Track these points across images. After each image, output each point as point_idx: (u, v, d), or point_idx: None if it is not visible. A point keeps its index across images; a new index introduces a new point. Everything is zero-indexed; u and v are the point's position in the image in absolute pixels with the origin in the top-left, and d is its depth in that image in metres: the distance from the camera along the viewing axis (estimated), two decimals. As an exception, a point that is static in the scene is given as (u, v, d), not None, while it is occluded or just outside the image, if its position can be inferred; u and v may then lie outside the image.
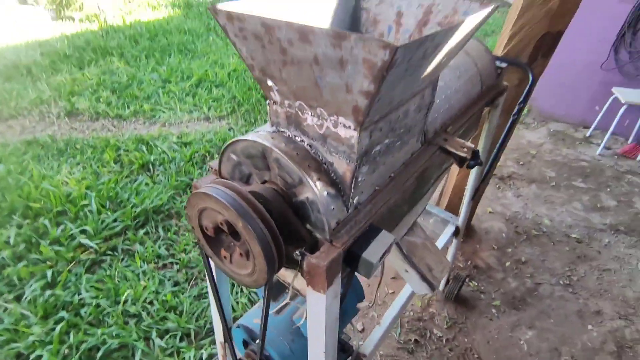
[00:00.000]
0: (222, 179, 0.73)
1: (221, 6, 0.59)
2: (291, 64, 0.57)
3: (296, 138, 0.69)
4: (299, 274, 0.74)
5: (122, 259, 2.00)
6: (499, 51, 1.80)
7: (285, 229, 0.67)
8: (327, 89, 0.56)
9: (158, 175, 2.62)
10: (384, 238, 0.76)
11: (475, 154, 0.96)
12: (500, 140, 1.62)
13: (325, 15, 0.82)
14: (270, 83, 0.65)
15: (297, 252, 0.66)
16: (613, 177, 3.22)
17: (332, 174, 0.68)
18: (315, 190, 0.64)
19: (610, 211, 2.85)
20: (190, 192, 2.52)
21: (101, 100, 3.49)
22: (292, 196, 0.71)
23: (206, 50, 4.70)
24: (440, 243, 1.70)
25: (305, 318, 0.99)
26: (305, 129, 0.67)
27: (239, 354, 1.12)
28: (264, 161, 0.71)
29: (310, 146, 0.68)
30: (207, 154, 2.90)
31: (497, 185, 3.04)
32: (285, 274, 0.85)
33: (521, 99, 1.58)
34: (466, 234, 2.53)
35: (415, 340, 1.86)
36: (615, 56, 3.47)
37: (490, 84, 1.30)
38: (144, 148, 2.86)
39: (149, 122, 3.32)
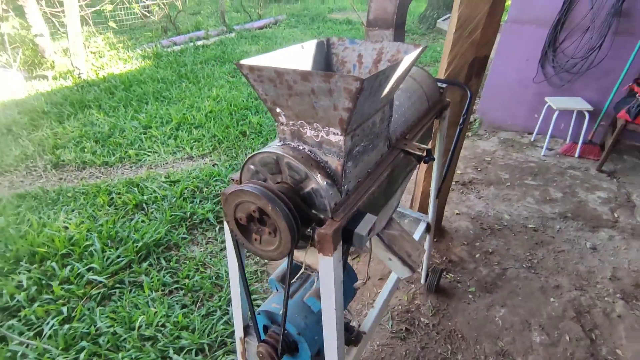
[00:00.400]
0: (251, 181, 0.99)
1: (244, 62, 0.87)
2: (295, 95, 0.86)
3: (299, 147, 0.97)
4: (309, 250, 1.00)
5: (131, 290, 2.15)
6: (442, 75, 2.19)
7: (298, 213, 0.94)
8: (321, 109, 0.85)
9: (152, 212, 2.80)
10: (369, 218, 1.04)
11: (428, 152, 1.27)
12: (452, 146, 1.97)
13: (307, 60, 1.13)
14: (279, 110, 0.94)
15: (309, 229, 0.93)
16: (557, 173, 3.68)
17: (328, 169, 0.96)
18: (318, 181, 0.91)
19: (558, 202, 3.27)
20: (187, 228, 2.72)
21: (86, 150, 3.66)
22: (300, 190, 0.97)
23: (181, 96, 4.98)
24: (416, 238, 1.98)
25: (315, 296, 1.23)
26: (305, 139, 0.95)
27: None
28: (277, 166, 0.98)
29: (310, 151, 0.96)
30: (196, 189, 3.11)
31: (461, 191, 3.41)
32: (298, 255, 1.10)
33: (464, 112, 1.94)
34: (439, 234, 2.84)
35: (406, 328, 2.10)
36: (543, 71, 4.05)
37: (435, 100, 1.65)
38: (135, 189, 3.04)
39: (135, 166, 3.50)
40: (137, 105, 4.64)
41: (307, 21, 10.27)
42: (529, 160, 3.92)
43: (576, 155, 3.93)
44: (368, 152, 1.06)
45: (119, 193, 3.00)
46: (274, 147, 0.99)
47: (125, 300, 2.07)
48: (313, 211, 0.97)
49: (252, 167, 1.03)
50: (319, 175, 0.92)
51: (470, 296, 2.32)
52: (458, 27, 1.98)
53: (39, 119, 4.22)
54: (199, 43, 7.48)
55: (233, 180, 1.11)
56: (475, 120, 4.73)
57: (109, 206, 2.87)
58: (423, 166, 2.45)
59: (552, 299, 2.32)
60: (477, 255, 2.65)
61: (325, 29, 9.41)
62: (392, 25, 1.50)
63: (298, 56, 1.09)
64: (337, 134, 0.89)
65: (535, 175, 3.65)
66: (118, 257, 2.33)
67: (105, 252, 2.34)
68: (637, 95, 3.38)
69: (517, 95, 4.30)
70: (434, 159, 1.30)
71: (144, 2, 7.74)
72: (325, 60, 1.22)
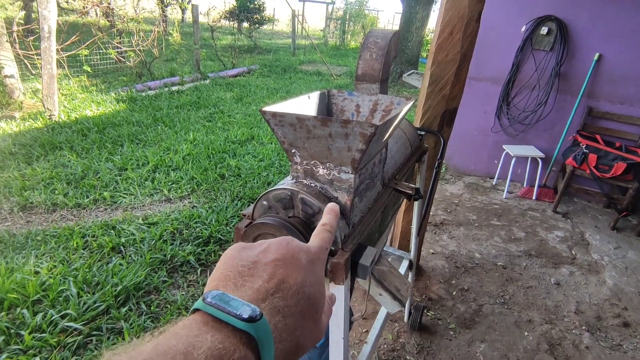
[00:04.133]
0: (269, 215, 1.07)
1: (267, 108, 0.99)
2: (313, 138, 0.97)
3: (312, 184, 1.08)
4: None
5: (109, 337, 2.04)
6: (417, 123, 2.42)
7: (311, 244, 1.02)
8: (335, 150, 0.97)
9: (130, 255, 2.72)
10: (370, 250, 1.14)
11: (417, 190, 1.41)
12: (429, 187, 2.15)
13: (312, 108, 1.27)
14: (294, 151, 1.05)
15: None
16: (519, 214, 3.98)
17: (338, 204, 1.06)
18: (330, 214, 1.01)
19: (522, 241, 3.51)
20: (168, 271, 2.66)
21: (57, 192, 3.54)
22: (311, 223, 1.06)
23: (157, 139, 5.00)
24: (400, 274, 2.08)
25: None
26: (317, 177, 1.06)
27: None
28: (290, 202, 1.07)
29: (322, 188, 1.07)
30: (175, 231, 3.07)
31: (434, 231, 3.59)
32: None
33: (438, 156, 2.15)
34: (418, 272, 2.95)
35: (393, 367, 2.12)
36: (499, 122, 4.50)
37: (416, 146, 1.83)
38: (112, 232, 2.96)
39: (110, 209, 3.42)
40: (112, 147, 4.60)
41: (279, 71, 10.79)
42: (492, 203, 4.21)
43: (534, 197, 4.28)
44: (370, 189, 1.18)
45: (94, 236, 2.91)
46: (288, 184, 1.08)
47: (104, 348, 1.96)
48: (323, 243, 1.06)
49: (265, 202, 1.11)
50: (330, 209, 1.02)
51: (451, 332, 2.39)
52: (430, 83, 2.24)
53: (5, 160, 4.07)
54: (174, 88, 7.63)
55: (245, 215, 1.18)
56: (442, 165, 5.07)
57: (84, 249, 2.76)
58: (402, 206, 2.61)
59: (526, 333, 2.44)
60: (454, 293, 2.77)
61: (297, 79, 9.92)
62: (378, 80, 1.70)
63: (305, 104, 1.23)
64: (348, 172, 1.00)
65: (500, 216, 3.93)
66: (95, 302, 2.22)
67: (82, 297, 2.23)
68: (580, 144, 3.83)
69: (479, 143, 4.70)
70: (422, 197, 1.44)
71: (121, 47, 7.88)
72: (327, 109, 1.37)
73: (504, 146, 4.37)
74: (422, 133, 1.94)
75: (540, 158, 4.19)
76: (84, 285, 2.34)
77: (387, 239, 1.75)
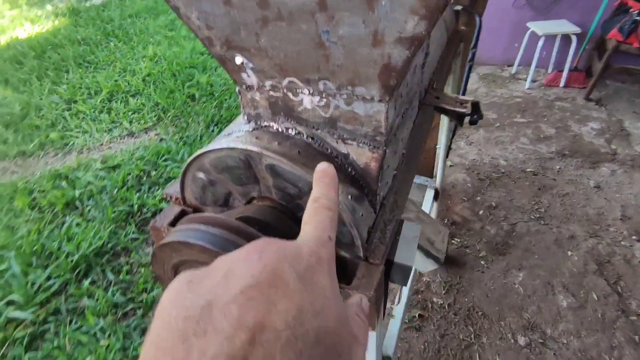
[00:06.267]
0: (196, 213, 0.51)
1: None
2: (277, 20, 0.37)
3: (290, 131, 0.50)
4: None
5: (71, 321, 1.66)
6: None
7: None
8: (340, 48, 0.37)
9: (89, 211, 2.23)
10: (410, 231, 0.61)
11: (476, 106, 0.83)
12: (462, 90, 1.55)
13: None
14: (240, 60, 0.45)
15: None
16: (545, 107, 3.40)
17: (350, 169, 0.50)
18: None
19: (553, 139, 3.00)
20: (137, 225, 2.19)
21: (-7, 139, 2.91)
22: (297, 211, 0.52)
23: (110, 59, 4.14)
24: (425, 210, 1.61)
25: None
26: (301, 115, 0.48)
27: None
28: (249, 172, 0.51)
29: (313, 138, 0.49)
30: (142, 174, 2.54)
31: (449, 138, 3.06)
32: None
33: (473, 44, 1.50)
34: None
35: (419, 315, 1.79)
36: (525, -8, 3.61)
37: (453, 30, 1.18)
38: (64, 183, 2.42)
39: (61, 153, 2.83)
40: (55, 76, 3.79)
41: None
42: (514, 96, 3.59)
43: (561, 84, 3.64)
44: (406, 122, 0.61)
45: (43, 191, 2.38)
46: (239, 135, 0.51)
47: (64, 336, 1.59)
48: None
49: (200, 175, 0.55)
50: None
51: (482, 262, 2.03)
52: None
53: None
54: (124, -7, 6.31)
55: (170, 198, 0.63)
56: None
57: (32, 209, 2.26)
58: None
59: (569, 252, 2.08)
60: (481, 212, 2.35)
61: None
62: None
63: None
64: (373, 98, 0.42)
65: (524, 112, 3.35)
66: (48, 279, 1.80)
67: (29, 275, 1.80)
68: (631, 10, 3.05)
69: (495, 23, 3.86)
70: (481, 117, 0.87)
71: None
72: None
73: (528, 24, 3.57)
74: (458, 8, 1.26)
75: (575, 34, 3.43)
76: (33, 259, 1.89)
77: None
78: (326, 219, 0.30)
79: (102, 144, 2.90)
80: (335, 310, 0.24)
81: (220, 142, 0.50)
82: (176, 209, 0.59)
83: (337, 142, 0.48)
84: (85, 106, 3.28)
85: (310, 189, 0.48)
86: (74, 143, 2.89)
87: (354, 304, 0.30)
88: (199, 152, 0.51)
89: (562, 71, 3.64)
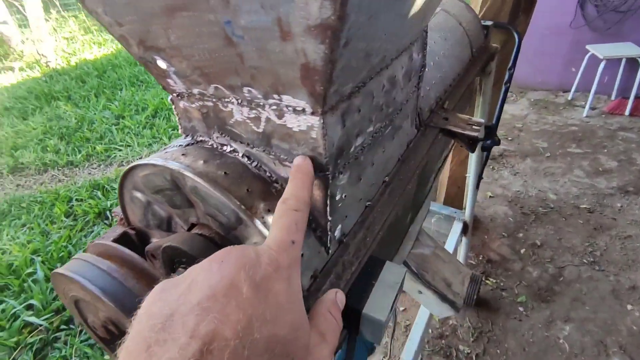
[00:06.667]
0: (98, 243, 0.44)
1: None
2: (181, 10, 0.30)
3: (225, 148, 0.42)
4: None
5: (81, 332, 1.67)
6: (474, 16, 1.58)
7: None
8: (249, 44, 0.30)
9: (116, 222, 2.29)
10: (392, 275, 0.50)
11: (490, 130, 0.71)
12: (496, 114, 1.39)
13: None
14: (161, 63, 0.38)
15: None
16: (606, 137, 3.06)
17: (292, 197, 0.41)
18: (264, 230, 0.37)
19: (614, 173, 2.67)
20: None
21: (48, 149, 3.15)
22: (236, 243, 0.43)
23: (160, 78, 4.41)
24: (449, 246, 1.44)
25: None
26: (234, 129, 0.40)
27: None
28: (180, 194, 0.43)
29: (249, 157, 0.41)
30: (172, 188, 2.59)
31: (491, 166, 2.83)
32: None
33: (510, 64, 1.36)
34: (472, 226, 2.28)
35: (442, 362, 1.59)
36: (583, 12, 3.34)
37: (480, 46, 1.06)
38: (99, 194, 2.53)
39: (104, 164, 2.99)
40: (111, 93, 4.09)
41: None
42: (569, 124, 3.28)
43: (626, 113, 3.27)
44: (383, 143, 0.51)
45: (80, 200, 2.50)
46: (170, 150, 0.44)
47: (72, 347, 1.59)
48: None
49: (137, 194, 0.49)
50: (268, 215, 0.38)
51: (521, 309, 1.79)
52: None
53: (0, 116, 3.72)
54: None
55: (117, 216, 0.57)
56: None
57: (67, 217, 2.37)
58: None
59: (629, 306, 1.77)
60: (523, 251, 2.10)
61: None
62: None
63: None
64: (304, 110, 0.33)
65: (580, 142, 3.03)
66: (68, 286, 1.84)
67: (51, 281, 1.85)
68: None
69: (549, 44, 3.60)
70: (499, 142, 0.74)
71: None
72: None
73: (588, 46, 3.28)
74: (489, 24, 1.14)
75: (642, 58, 3.09)
76: (58, 265, 1.96)
77: (429, 205, 1.08)
78: (291, 221, 0.30)
79: (140, 158, 3.03)
80: (290, 317, 0.26)
81: (152, 156, 0.44)
82: (118, 231, 0.53)
83: (274, 164, 0.39)
84: (131, 122, 3.48)
85: (237, 218, 0.40)
86: (116, 156, 3.05)
87: (327, 301, 0.32)
88: (130, 165, 0.45)
89: (627, 98, 3.28)
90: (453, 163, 1.95)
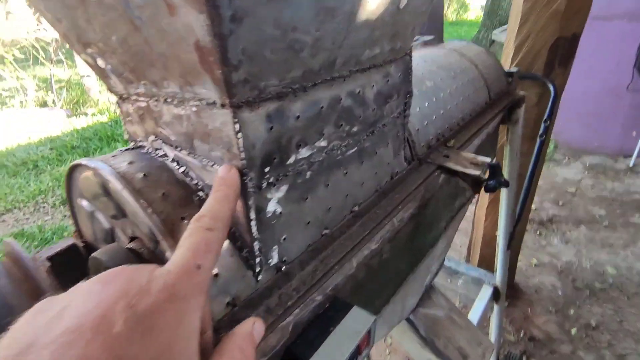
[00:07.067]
0: (22, 256, 0.42)
1: None
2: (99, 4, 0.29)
3: (158, 152, 0.39)
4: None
5: None
6: (508, 67, 1.53)
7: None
8: (148, 25, 0.28)
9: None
10: (356, 323, 0.42)
11: (494, 169, 0.63)
12: (530, 168, 1.28)
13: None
14: (100, 61, 0.37)
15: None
16: (677, 208, 2.70)
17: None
18: (170, 241, 0.32)
19: (688, 249, 2.30)
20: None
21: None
22: (160, 259, 0.39)
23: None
24: (475, 312, 1.27)
25: None
26: (163, 130, 0.37)
27: None
28: (113, 202, 0.41)
29: (178, 162, 0.38)
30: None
31: (538, 232, 2.58)
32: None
33: (546, 116, 1.28)
34: (512, 294, 2.03)
35: None
36: (640, 75, 3.15)
37: (500, 90, 1.00)
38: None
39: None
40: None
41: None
42: (631, 191, 2.96)
43: (701, 183, 2.90)
44: (346, 165, 0.45)
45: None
46: (108, 155, 0.42)
47: None
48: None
49: (82, 202, 0.47)
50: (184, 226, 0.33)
51: (570, 403, 1.49)
52: (530, -7, 1.34)
53: (66, 154, 4.13)
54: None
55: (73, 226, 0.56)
56: (551, 132, 3.86)
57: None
58: (485, 197, 1.74)
59: None
60: (574, 331, 1.80)
61: None
62: None
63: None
64: (216, 101, 0.30)
65: (645, 211, 2.70)
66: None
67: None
68: None
69: (607, 108, 3.40)
70: (507, 184, 0.65)
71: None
72: None
73: (648, 110, 3.05)
74: (513, 70, 1.08)
75: None
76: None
77: (442, 261, 0.96)
78: (201, 242, 0.26)
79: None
80: (179, 358, 0.22)
81: (94, 158, 0.42)
82: (67, 242, 0.51)
83: (199, 167, 0.36)
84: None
85: (151, 236, 0.36)
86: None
87: (239, 335, 0.27)
88: (73, 162, 0.44)
89: (700, 166, 2.93)
90: (487, 221, 1.80)
